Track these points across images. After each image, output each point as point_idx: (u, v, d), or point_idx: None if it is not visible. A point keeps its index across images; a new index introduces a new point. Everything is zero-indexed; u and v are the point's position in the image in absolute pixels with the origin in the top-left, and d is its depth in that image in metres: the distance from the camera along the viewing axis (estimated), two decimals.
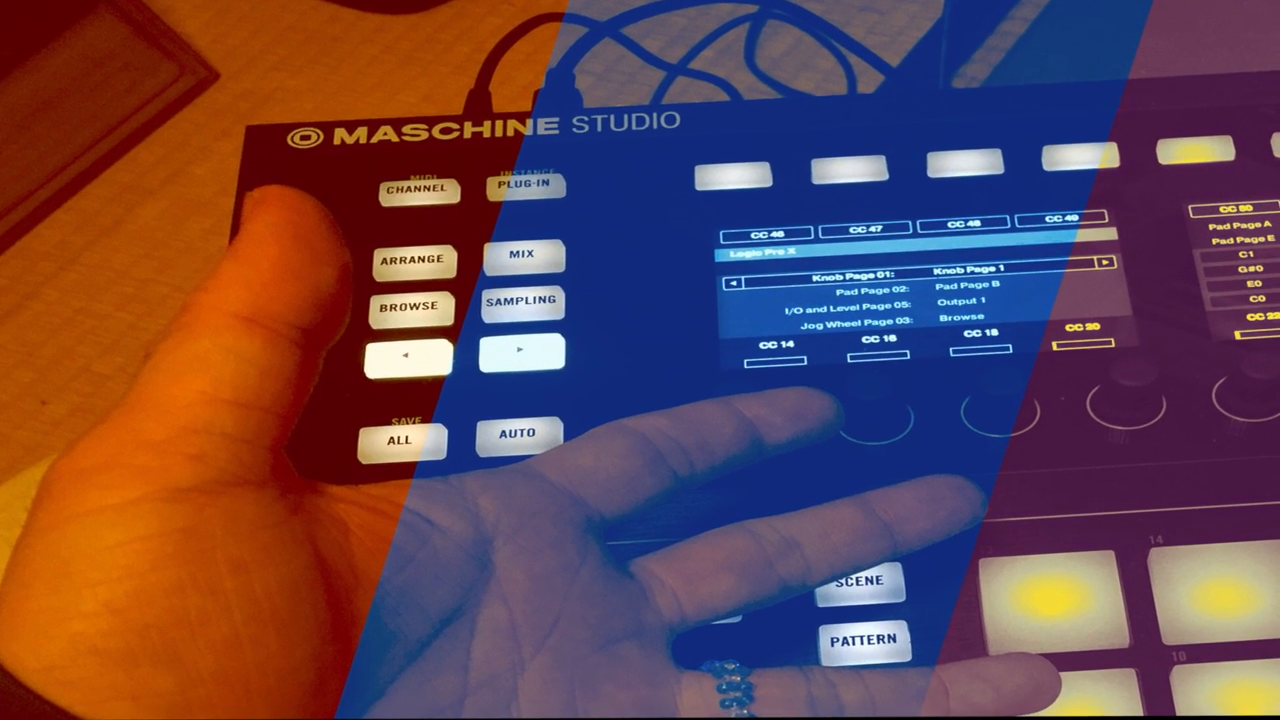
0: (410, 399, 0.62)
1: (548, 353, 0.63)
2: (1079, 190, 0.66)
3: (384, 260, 0.65)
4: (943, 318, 0.63)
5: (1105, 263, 0.64)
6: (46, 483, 0.41)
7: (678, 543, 0.52)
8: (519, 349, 0.63)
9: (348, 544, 0.44)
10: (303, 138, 0.68)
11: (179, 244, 0.90)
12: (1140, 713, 0.54)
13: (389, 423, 0.61)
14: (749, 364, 0.62)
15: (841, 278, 0.64)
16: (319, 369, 0.45)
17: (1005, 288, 0.63)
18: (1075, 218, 0.65)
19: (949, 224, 0.65)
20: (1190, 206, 0.65)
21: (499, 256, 0.65)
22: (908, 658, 0.55)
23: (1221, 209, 0.65)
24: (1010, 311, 0.63)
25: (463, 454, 0.60)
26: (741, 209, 0.66)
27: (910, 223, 0.65)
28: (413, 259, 0.65)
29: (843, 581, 0.57)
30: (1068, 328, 0.62)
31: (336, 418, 0.61)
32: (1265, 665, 0.54)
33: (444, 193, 0.67)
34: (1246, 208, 0.65)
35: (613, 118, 0.69)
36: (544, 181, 0.67)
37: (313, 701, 0.42)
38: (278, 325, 0.43)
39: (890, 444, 0.60)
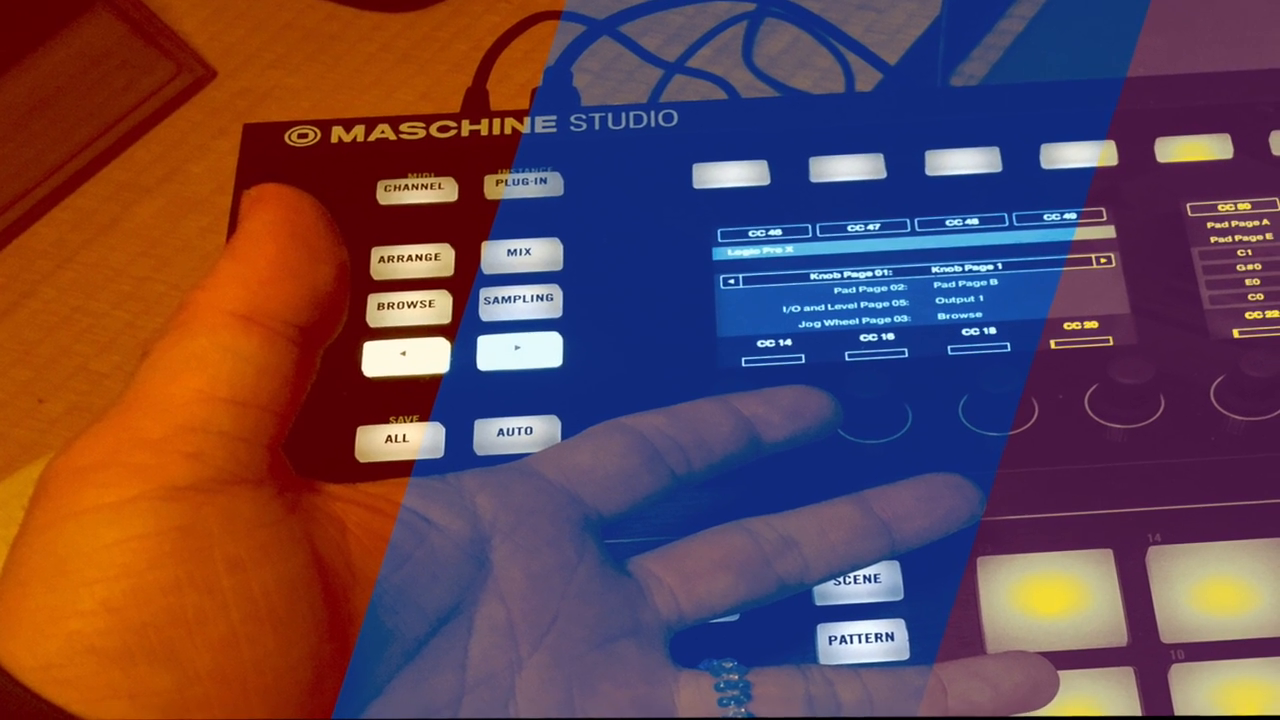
0: (408, 397, 0.62)
1: (545, 351, 0.63)
2: (1077, 188, 0.66)
3: (381, 258, 0.65)
4: (941, 316, 0.63)
5: (1103, 261, 0.64)
6: (43, 481, 0.41)
7: (675, 541, 0.52)
8: (516, 347, 0.63)
9: (345, 542, 0.44)
10: (300, 136, 0.68)
11: (176, 242, 0.90)
12: (1138, 711, 0.54)
13: (386, 421, 0.61)
14: (747, 362, 0.62)
15: (839, 276, 0.64)
16: (316, 367, 0.44)
17: (1003, 286, 0.63)
18: (1073, 216, 0.65)
19: (947, 222, 0.65)
20: (1188, 205, 0.65)
21: (496, 255, 0.65)
22: (906, 656, 0.55)
23: (1220, 207, 0.65)
24: (1008, 310, 0.63)
25: (460, 452, 0.60)
26: (739, 207, 0.66)
27: (908, 221, 0.65)
28: (410, 257, 0.65)
29: (840, 580, 0.56)
30: (1066, 326, 0.62)
31: (334, 416, 0.61)
32: (1263, 664, 0.54)
33: (441, 191, 0.67)
34: (1245, 206, 0.65)
35: (610, 116, 0.69)
36: (542, 180, 0.67)
37: (310, 700, 0.42)
38: (275, 323, 0.43)
39: (888, 442, 0.60)
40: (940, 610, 0.56)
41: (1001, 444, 0.59)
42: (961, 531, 0.54)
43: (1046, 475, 0.58)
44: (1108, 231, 0.64)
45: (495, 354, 0.62)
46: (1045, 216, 0.65)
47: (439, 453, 0.60)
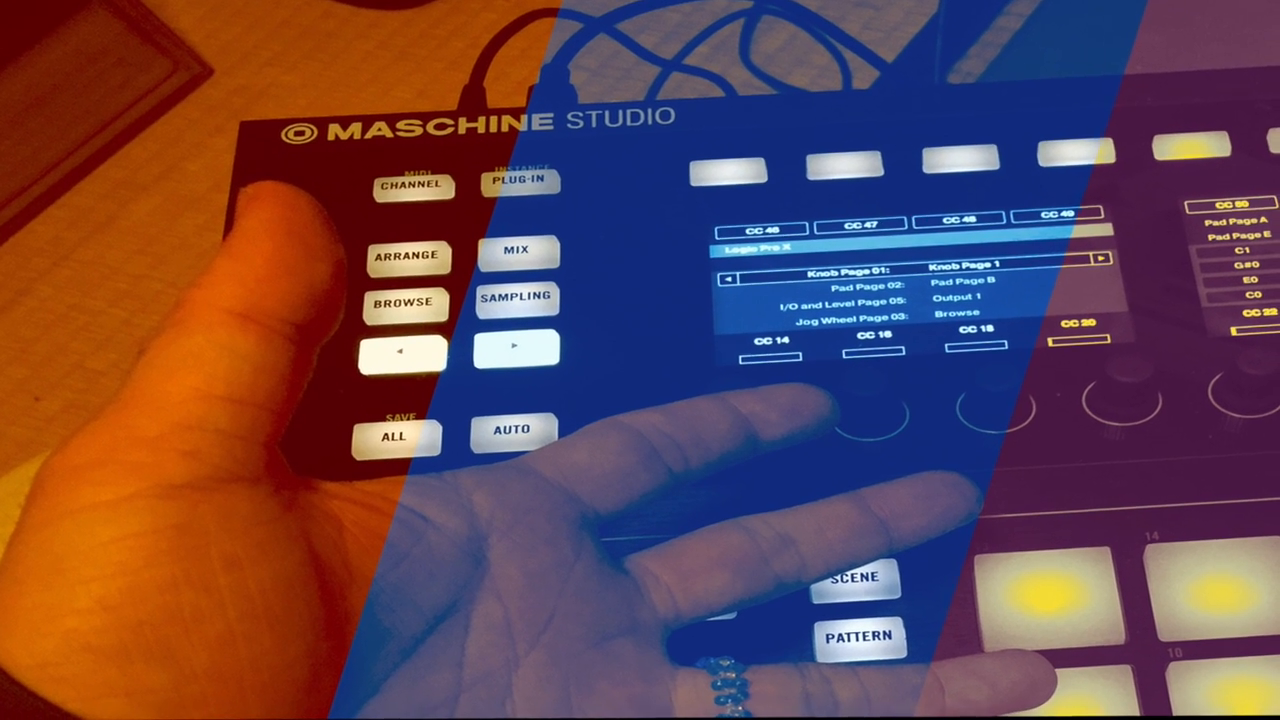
0: (405, 395, 0.61)
1: (542, 349, 0.62)
2: (1075, 186, 0.66)
3: (378, 256, 0.65)
4: (938, 314, 0.63)
5: (1101, 258, 0.64)
6: (40, 479, 0.41)
7: (673, 539, 0.52)
8: (513, 345, 0.63)
9: (342, 540, 0.44)
10: (297, 133, 0.68)
11: (173, 240, 0.90)
12: (1136, 709, 0.54)
13: (383, 419, 0.61)
14: (744, 360, 0.62)
15: (836, 274, 0.64)
16: (313, 365, 0.44)
17: (1001, 284, 0.63)
18: (1071, 213, 0.65)
19: (944, 220, 0.65)
20: (1186, 202, 0.65)
21: (493, 252, 0.65)
22: (903, 654, 0.55)
23: (1218, 205, 0.65)
24: (1006, 307, 0.63)
25: (457, 450, 0.60)
26: (736, 205, 0.66)
27: (905, 218, 0.65)
28: (407, 255, 0.65)
29: (838, 578, 0.56)
30: (1063, 324, 0.62)
31: (331, 414, 0.61)
32: (1261, 661, 0.54)
33: (438, 188, 0.67)
34: (1242, 203, 0.65)
35: (607, 113, 0.69)
36: (539, 177, 0.67)
37: (307, 698, 0.42)
38: (272, 321, 0.42)
39: (885, 440, 0.60)
40: (938, 608, 0.56)
41: (999, 442, 0.59)
42: (959, 530, 0.54)
43: (1044, 473, 0.58)
44: (1105, 229, 0.64)
45: (492, 352, 0.62)
46: (1043, 214, 0.65)
47: (436, 451, 0.60)
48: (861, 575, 0.57)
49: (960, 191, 0.66)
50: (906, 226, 0.65)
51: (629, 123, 0.69)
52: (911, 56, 0.93)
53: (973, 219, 0.65)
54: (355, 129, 0.68)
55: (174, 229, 0.90)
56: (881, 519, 0.53)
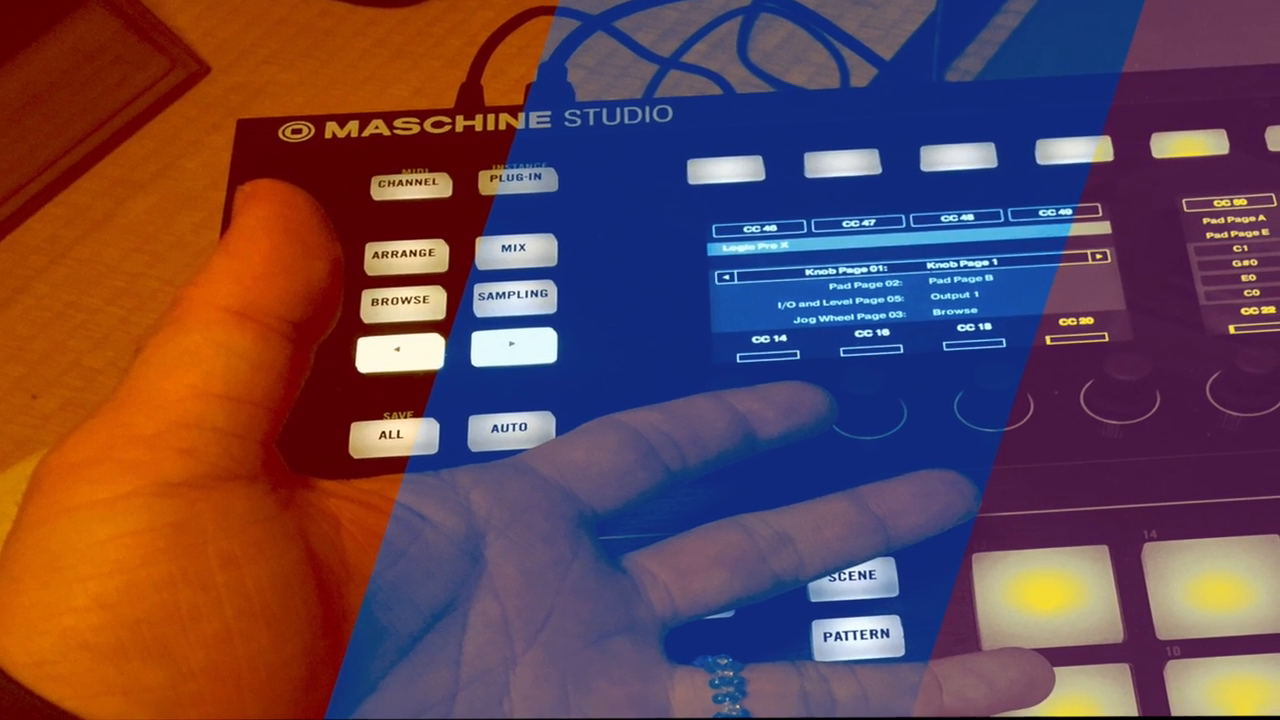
0: (402, 393, 0.61)
1: (540, 347, 0.62)
2: (1073, 184, 0.66)
3: (375, 254, 0.65)
4: (936, 312, 0.63)
5: (1099, 257, 0.64)
6: (36, 477, 0.41)
7: (670, 537, 0.52)
8: (511, 343, 0.63)
9: (339, 539, 0.44)
10: (294, 131, 0.68)
11: (170, 238, 0.89)
12: (1134, 708, 0.54)
13: (380, 417, 0.61)
14: (741, 358, 0.62)
15: (834, 272, 0.64)
16: (310, 363, 0.44)
17: (998, 282, 0.63)
18: (1069, 211, 0.65)
19: (942, 218, 0.65)
20: (1184, 200, 0.65)
21: (491, 250, 0.65)
22: (901, 653, 0.55)
23: (1215, 203, 0.65)
24: (1003, 305, 0.63)
25: (454, 448, 0.60)
26: (734, 203, 0.66)
27: (903, 216, 0.65)
28: (404, 253, 0.65)
29: (835, 576, 0.56)
30: (1061, 322, 0.62)
31: (328, 412, 0.61)
32: (1259, 660, 0.54)
33: (435, 186, 0.67)
34: (1240, 201, 0.65)
35: (605, 111, 0.69)
36: (536, 175, 0.67)
37: (304, 696, 0.42)
38: (269, 319, 0.42)
39: (883, 438, 0.60)
40: (935, 607, 0.56)
41: (997, 440, 0.59)
42: (957, 528, 0.54)
43: (1042, 471, 0.58)
44: (1103, 227, 0.64)
45: (489, 350, 0.62)
46: (1041, 212, 0.65)
47: (433, 449, 0.60)
48: (859, 573, 0.57)
49: (958, 189, 0.66)
50: (904, 225, 0.65)
51: (626, 121, 0.69)
52: (909, 54, 0.93)
53: (971, 217, 0.65)
54: (352, 127, 0.68)
55: (171, 227, 0.90)
56: (879, 517, 0.53)
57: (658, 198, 0.66)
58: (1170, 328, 0.62)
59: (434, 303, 0.63)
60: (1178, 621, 0.55)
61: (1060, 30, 0.88)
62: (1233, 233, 0.64)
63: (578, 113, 0.69)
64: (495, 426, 0.60)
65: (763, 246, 0.65)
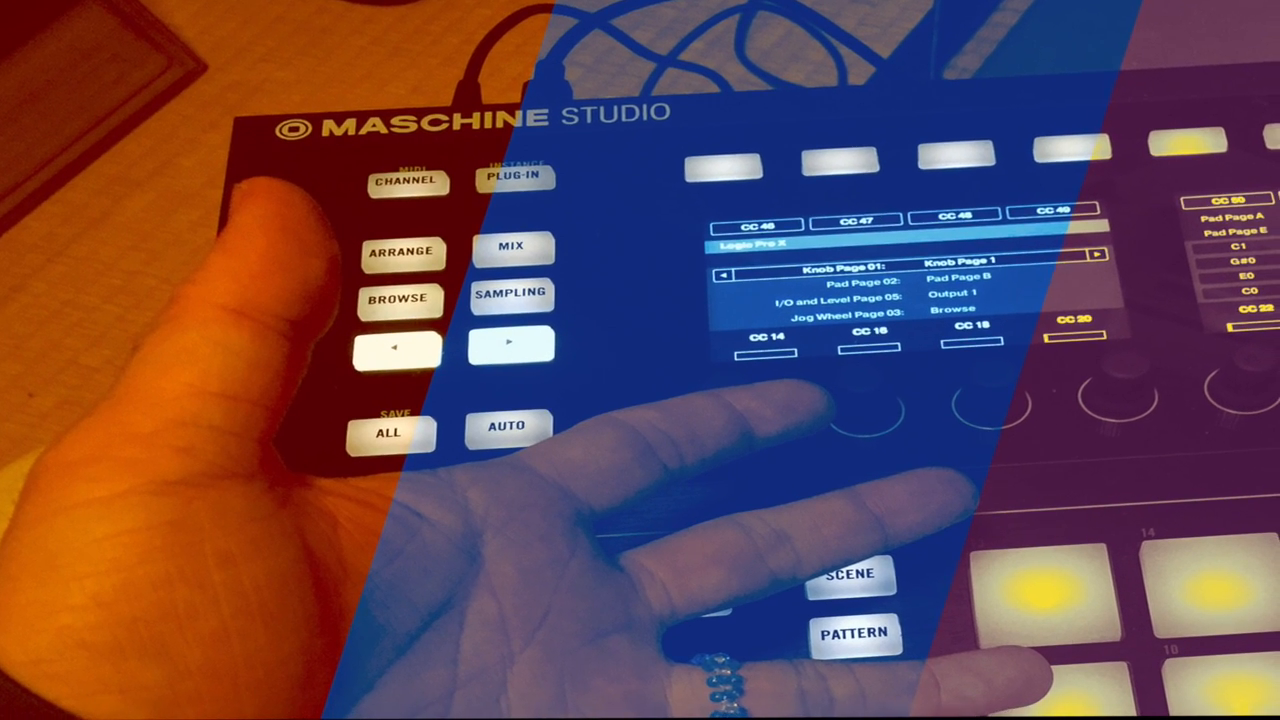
0: (399, 391, 0.61)
1: (537, 345, 0.62)
2: (1070, 182, 0.65)
3: (373, 252, 0.65)
4: (934, 310, 0.63)
5: (1097, 255, 0.64)
6: (33, 475, 0.41)
7: (667, 536, 0.52)
8: (508, 341, 0.63)
9: (336, 537, 0.44)
10: (291, 129, 0.68)
11: (167, 236, 0.89)
12: (1132, 706, 0.54)
13: (378, 415, 0.61)
14: (739, 356, 0.62)
15: (832, 270, 0.64)
16: (307, 361, 0.44)
17: (996, 280, 0.63)
18: (1067, 209, 0.65)
19: (940, 216, 0.65)
20: (1182, 198, 0.65)
21: (488, 248, 0.65)
22: (898, 651, 0.55)
23: (1214, 201, 0.65)
24: (1001, 304, 0.63)
25: (452, 447, 0.60)
26: (732, 201, 0.66)
27: (901, 214, 0.65)
28: (401, 251, 0.65)
29: (833, 574, 0.56)
30: (1059, 320, 0.62)
31: (325, 410, 0.61)
32: (1257, 659, 0.54)
33: (433, 184, 0.66)
34: (1239, 199, 0.65)
35: (602, 109, 0.69)
36: (533, 173, 0.67)
37: (301, 694, 0.42)
38: (266, 317, 0.42)
39: (881, 437, 0.60)
40: (933, 605, 0.56)
41: (995, 438, 0.59)
42: (955, 526, 0.54)
43: (1040, 470, 0.58)
44: (1101, 225, 0.64)
45: (487, 348, 0.62)
46: (1039, 210, 0.65)
47: (430, 447, 0.60)
48: (857, 572, 0.57)
49: (956, 187, 0.66)
50: (902, 222, 0.65)
51: (624, 119, 0.69)
52: (907, 52, 0.93)
53: (968, 215, 0.65)
54: (350, 125, 0.68)
55: (168, 225, 0.90)
56: (877, 515, 0.53)
57: (655, 196, 0.66)
58: (1168, 326, 0.62)
59: (431, 301, 0.63)
60: (1176, 620, 0.55)
61: (1058, 28, 0.88)
62: (1231, 231, 0.64)
63: (575, 111, 0.69)
64: (493, 425, 0.60)
65: (760, 244, 0.65)
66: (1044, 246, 0.64)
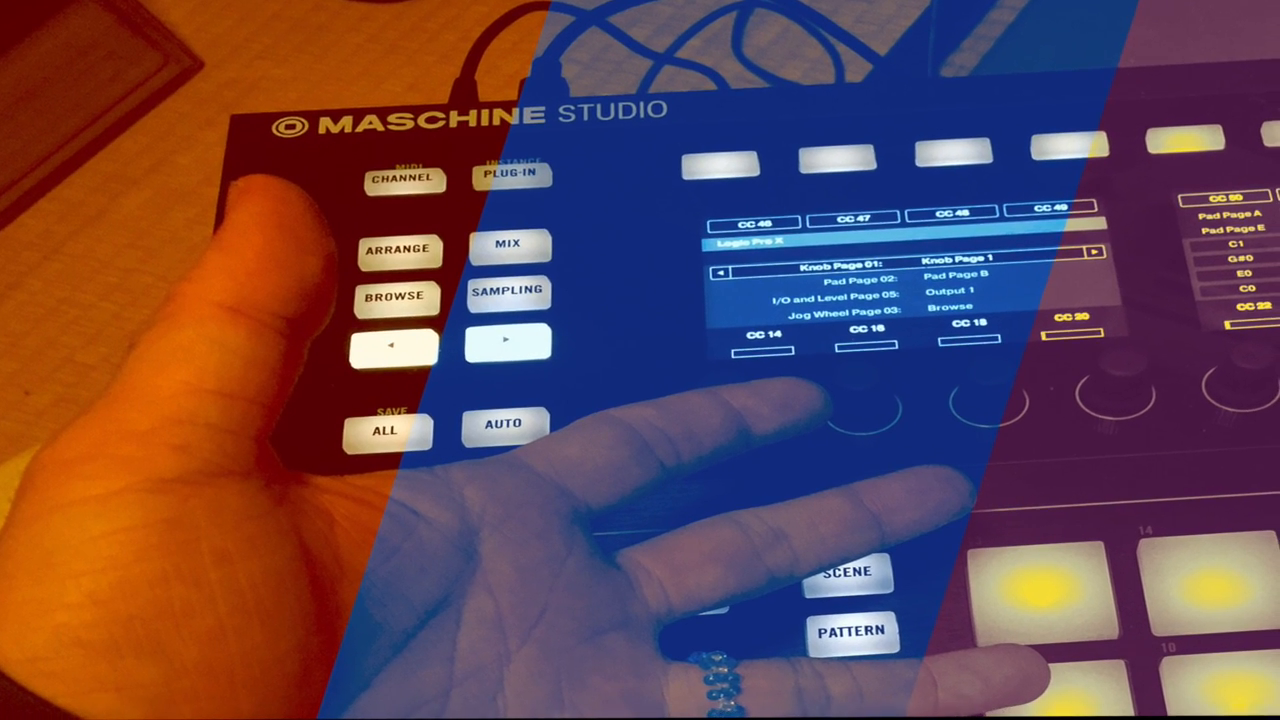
0: (396, 389, 0.61)
1: (534, 343, 0.62)
2: (1068, 179, 0.65)
3: (369, 250, 0.65)
4: (931, 308, 0.63)
5: (1094, 252, 0.64)
6: (30, 473, 0.41)
7: (665, 534, 0.52)
8: (505, 339, 0.62)
9: (333, 535, 0.44)
10: (287, 127, 0.68)
11: (163, 233, 0.89)
12: (1129, 704, 0.54)
13: (374, 413, 0.61)
14: (736, 354, 0.62)
15: (829, 267, 0.64)
16: (304, 359, 0.44)
17: (994, 277, 0.63)
18: (1064, 207, 0.65)
19: (937, 213, 0.65)
20: (1180, 196, 0.65)
21: (485, 246, 0.65)
22: (896, 649, 0.55)
23: (1211, 198, 0.65)
24: (999, 301, 0.63)
25: (448, 444, 0.60)
26: (729, 198, 0.66)
27: (898, 212, 0.65)
28: (398, 248, 0.65)
29: (830, 572, 0.56)
30: (1057, 318, 0.62)
31: (322, 408, 0.61)
32: (1255, 656, 0.54)
33: (429, 182, 0.66)
34: (1236, 197, 0.65)
35: (599, 107, 0.69)
36: (530, 171, 0.67)
37: (297, 693, 0.42)
38: (262, 315, 0.42)
39: (878, 434, 0.60)
40: (931, 603, 0.56)
41: (992, 436, 0.59)
42: (952, 524, 0.54)
43: (1037, 467, 0.58)
44: (1099, 223, 0.64)
45: (483, 346, 0.62)
46: (1036, 208, 0.65)
47: (427, 445, 0.60)
48: (854, 570, 0.57)
49: (953, 185, 0.66)
50: (899, 220, 0.65)
51: (621, 116, 0.68)
52: (904, 50, 0.93)
53: (966, 213, 0.65)
54: (346, 122, 0.68)
55: (164, 222, 0.90)
56: (874, 513, 0.53)
57: (652, 193, 0.66)
58: (1166, 323, 0.62)
59: (428, 298, 0.63)
60: (1173, 617, 0.55)
61: (1055, 26, 0.88)
62: (1228, 228, 0.64)
63: (572, 108, 0.69)
64: (489, 422, 0.60)
65: (757, 242, 0.65)
66: (1041, 244, 0.64)
